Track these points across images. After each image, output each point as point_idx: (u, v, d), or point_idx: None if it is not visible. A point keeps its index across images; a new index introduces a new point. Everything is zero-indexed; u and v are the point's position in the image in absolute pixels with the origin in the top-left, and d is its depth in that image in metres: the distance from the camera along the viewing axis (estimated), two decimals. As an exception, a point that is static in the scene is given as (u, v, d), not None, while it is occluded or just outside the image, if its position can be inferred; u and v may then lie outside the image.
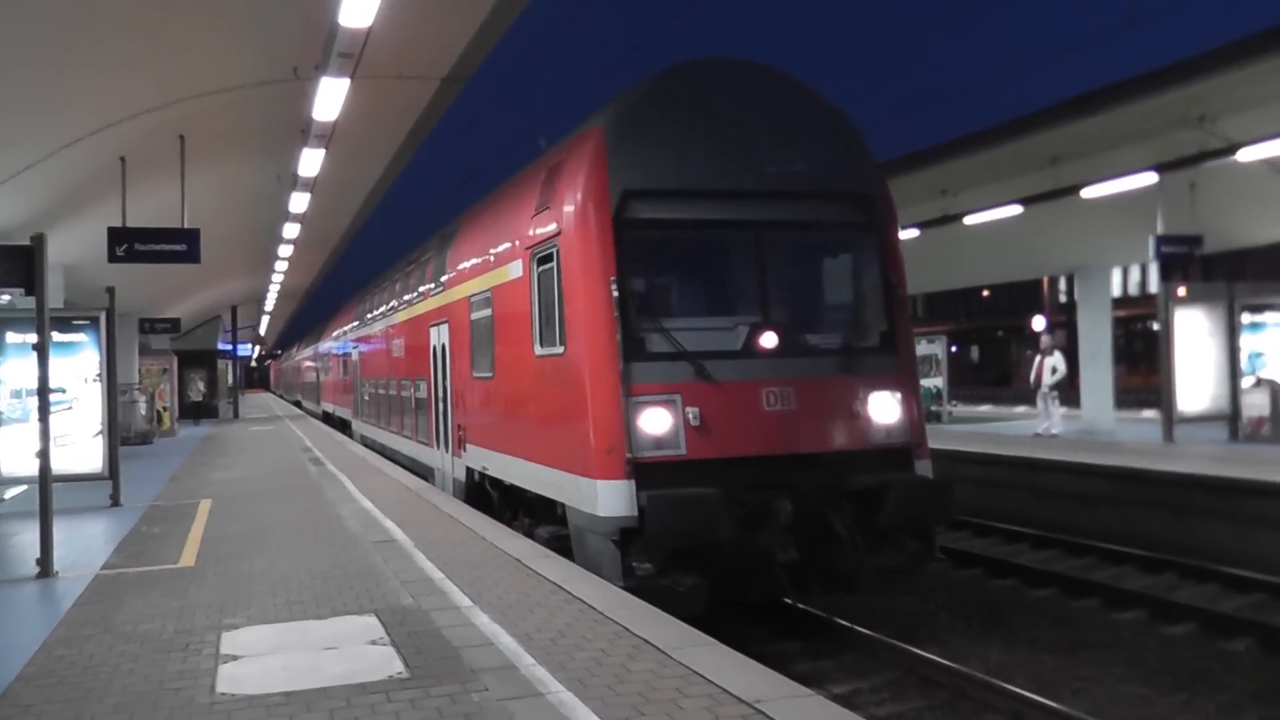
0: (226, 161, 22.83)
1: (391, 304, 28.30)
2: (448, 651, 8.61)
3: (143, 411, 37.59)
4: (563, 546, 13.25)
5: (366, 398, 34.61)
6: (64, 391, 19.02)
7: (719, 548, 11.73)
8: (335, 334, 46.63)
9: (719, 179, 13.06)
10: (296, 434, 38.92)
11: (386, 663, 8.33)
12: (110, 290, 18.93)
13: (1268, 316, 25.87)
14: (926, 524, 12.98)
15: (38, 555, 12.58)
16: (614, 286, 12.24)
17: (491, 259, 16.43)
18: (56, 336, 18.65)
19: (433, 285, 21.74)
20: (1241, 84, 20.03)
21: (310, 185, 23.96)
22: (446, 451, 20.39)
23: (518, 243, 14.85)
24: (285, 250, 35.99)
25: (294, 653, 8.72)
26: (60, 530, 13.34)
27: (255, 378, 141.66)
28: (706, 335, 12.76)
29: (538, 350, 13.97)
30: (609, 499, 11.92)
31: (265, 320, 76.71)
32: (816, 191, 13.50)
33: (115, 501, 18.99)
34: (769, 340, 12.75)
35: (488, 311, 16.55)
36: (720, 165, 13.07)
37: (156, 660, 8.63)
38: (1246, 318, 25.54)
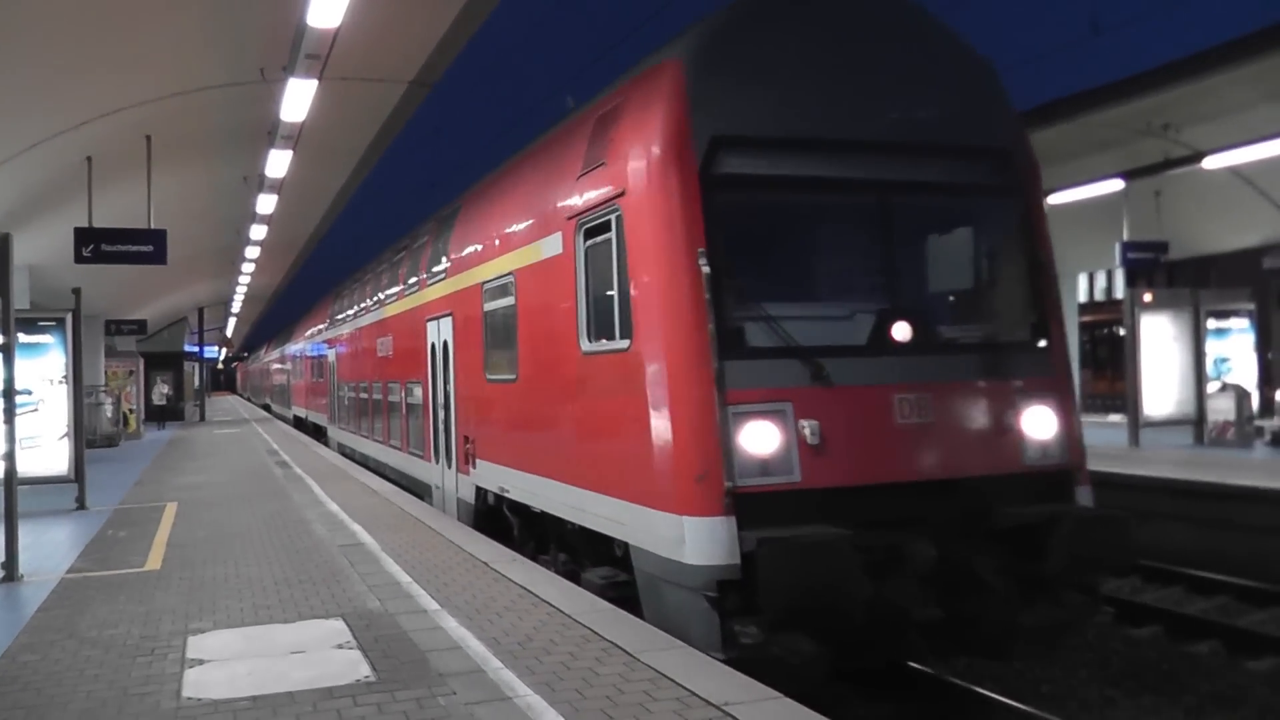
0: (193, 162, 22.75)
1: (376, 298, 25.39)
2: (415, 655, 8.59)
3: (109, 414, 37.35)
4: (623, 596, 10.65)
5: (346, 402, 31.23)
6: (30, 393, 18.90)
7: (848, 606, 9.05)
8: (309, 333, 43.17)
9: (832, 125, 10.37)
10: (263, 437, 38.75)
11: (353, 667, 8.30)
12: (76, 291, 18.80)
13: (1232, 322, 26.13)
14: (1097, 570, 10.47)
15: (2, 559, 12.46)
16: (703, 260, 9.57)
17: (514, 237, 13.78)
18: (22, 338, 18.53)
19: (430, 274, 19.10)
20: (1206, 94, 20.23)
21: (277, 187, 23.93)
22: (448, 467, 17.64)
23: (554, 213, 12.20)
24: (252, 252, 35.89)
25: (260, 657, 8.67)
26: (25, 534, 13.24)
27: (222, 380, 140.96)
28: (817, 326, 10.17)
29: (586, 346, 11.32)
30: (701, 542, 9.17)
31: (232, 322, 76.43)
32: (950, 145, 10.85)
33: (81, 505, 18.87)
34: (902, 332, 10.20)
35: (508, 300, 13.99)
36: (833, 107, 10.37)
37: (122, 665, 8.57)
38: (1212, 323, 25.77)
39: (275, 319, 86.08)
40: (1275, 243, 27.58)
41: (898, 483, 9.76)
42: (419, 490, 20.09)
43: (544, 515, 12.96)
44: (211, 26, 14.83)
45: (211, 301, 57.39)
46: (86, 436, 21.41)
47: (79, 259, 20.19)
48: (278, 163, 21.37)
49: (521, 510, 14.00)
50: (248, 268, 41.03)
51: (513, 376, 13.85)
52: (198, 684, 7.98)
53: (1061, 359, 10.93)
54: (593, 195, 11.07)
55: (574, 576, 11.81)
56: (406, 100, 18.91)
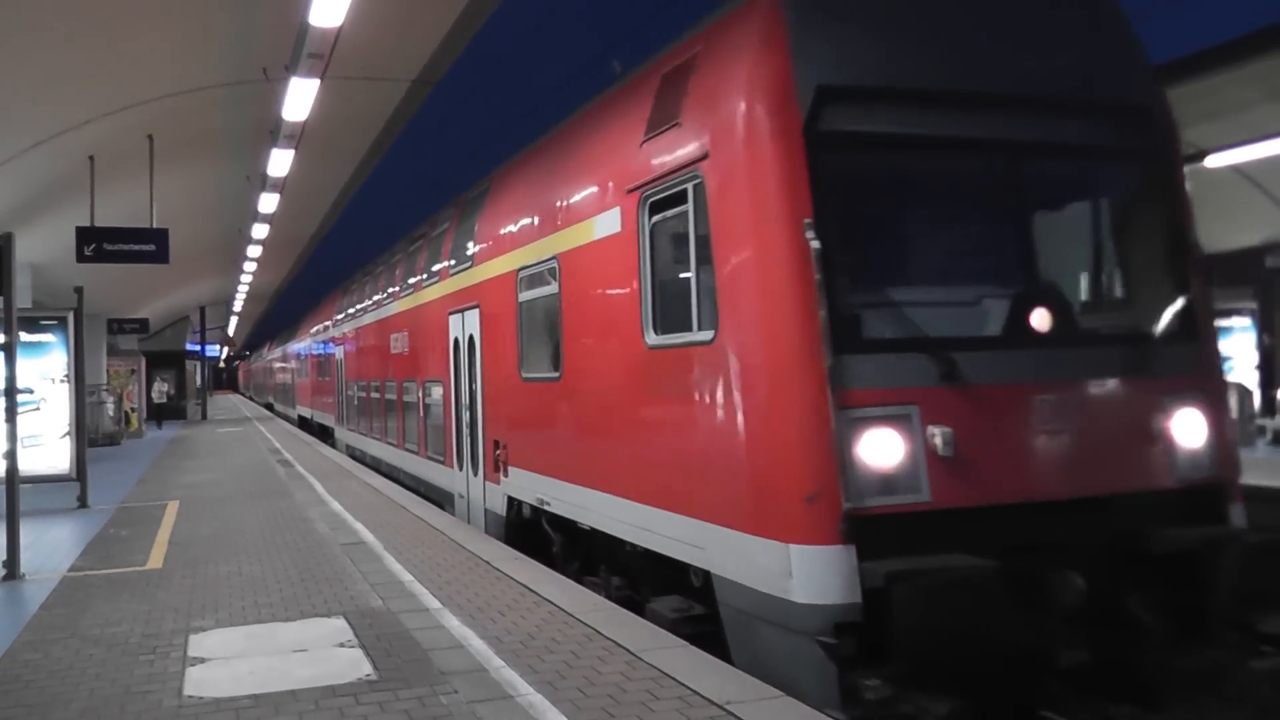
0: (195, 162, 22.77)
1: (390, 291, 23.71)
2: (417, 654, 8.59)
3: (110, 413, 37.38)
4: (701, 633, 9.25)
5: (355, 402, 29.52)
6: (31, 392, 18.93)
7: (995, 652, 7.75)
8: (314, 330, 41.40)
9: (955, 75, 8.80)
10: (265, 436, 38.76)
11: (355, 665, 8.30)
12: (78, 290, 18.82)
13: (1234, 321, 26.07)
14: (1260, 605, 9.37)
15: (4, 558, 12.48)
16: (810, 233, 7.94)
17: (557, 216, 12.31)
18: (24, 337, 18.56)
19: (452, 263, 17.55)
20: (1209, 93, 20.21)
21: (279, 186, 23.94)
22: (474, 474, 16.17)
23: (610, 187, 10.75)
24: (254, 251, 35.90)
25: (262, 656, 8.67)
26: (27, 532, 13.27)
27: (224, 379, 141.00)
28: (942, 314, 8.65)
29: (651, 339, 9.82)
30: (814, 576, 7.66)
31: (234, 321, 76.45)
32: (1087, 101, 9.22)
33: (83, 503, 18.87)
34: (1041, 321, 8.65)
35: (549, 289, 12.51)
36: (955, 55, 8.85)
37: (124, 664, 8.57)
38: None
39: (277, 317, 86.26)
40: (1278, 241, 27.56)
41: (1039, 501, 8.24)
42: (438, 498, 18.46)
43: (594, 533, 11.42)
44: (214, 26, 14.85)
45: (213, 300, 57.42)
46: (88, 435, 21.43)
47: (81, 258, 20.22)
48: (280, 162, 21.39)
49: (565, 526, 12.46)
50: (250, 266, 41.03)
51: (555, 374, 12.32)
52: (199, 682, 7.97)
53: (1212, 353, 9.44)
54: (662, 162, 9.57)
55: (631, 603, 10.59)
56: (409, 99, 18.92)
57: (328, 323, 36.62)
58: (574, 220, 11.69)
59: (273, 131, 19.33)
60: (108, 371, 40.08)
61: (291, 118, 18.05)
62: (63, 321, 19.16)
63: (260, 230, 30.78)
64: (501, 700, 7.35)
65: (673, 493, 9.41)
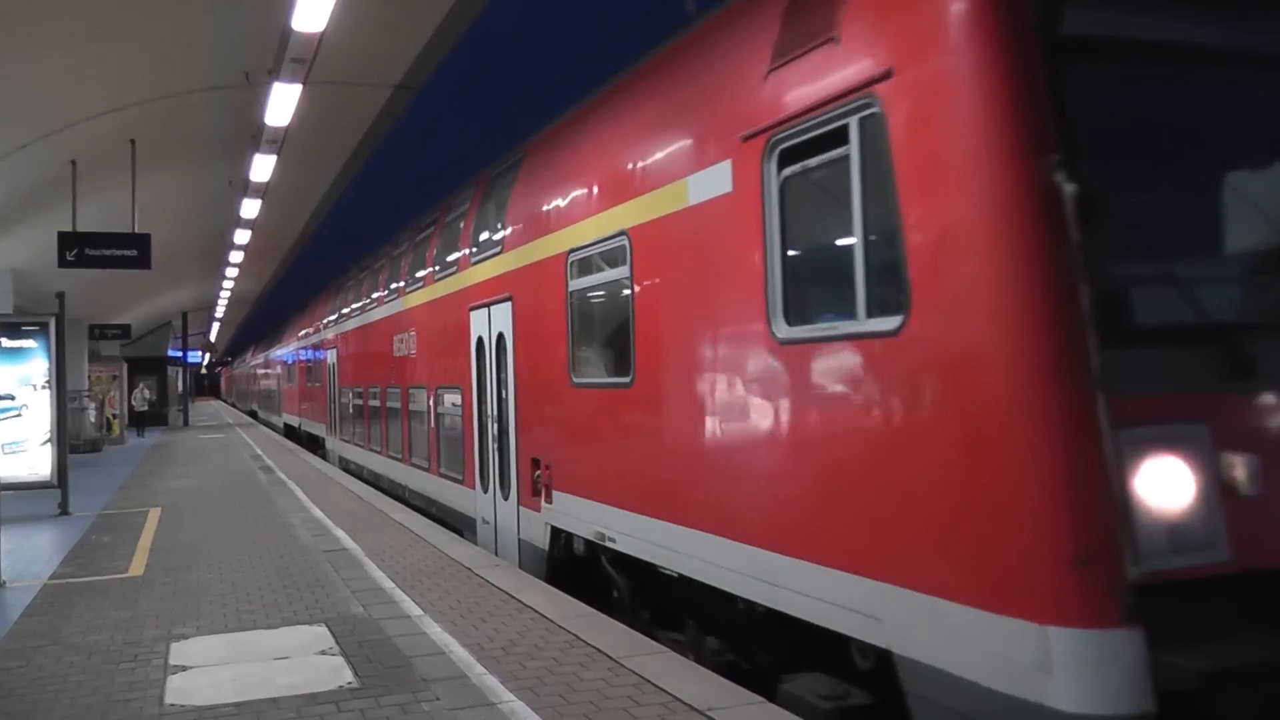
0: (178, 166, 22.70)
1: (392, 287, 21.52)
2: (399, 661, 8.59)
3: (92, 419, 37.25)
4: None
5: (350, 411, 27.05)
6: (13, 398, 18.87)
7: None
8: (302, 333, 39.23)
9: None
10: (247, 442, 38.68)
11: (337, 673, 8.29)
12: (60, 296, 18.77)
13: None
14: None
15: (-16, 565, 12.45)
16: (1060, 175, 5.58)
17: (628, 182, 9.93)
18: (5, 342, 18.57)
19: (474, 250, 15.32)
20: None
21: (262, 191, 23.91)
22: (503, 496, 13.90)
23: (714, 135, 8.50)
24: (236, 256, 35.83)
25: (244, 663, 8.66)
26: (8, 539, 13.26)
27: (206, 385, 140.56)
28: (1235, 291, 6.44)
29: (784, 330, 7.46)
30: (1089, 674, 5.31)
31: (216, 327, 76.24)
32: None
33: (64, 510, 18.82)
34: None
35: (614, 272, 10.29)
36: None
37: (105, 672, 8.55)
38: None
39: (260, 323, 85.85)
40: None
41: None
42: (455, 522, 16.22)
43: (684, 581, 8.97)
44: (196, 30, 14.81)
45: (195, 306, 57.26)
46: (70, 442, 21.36)
47: (63, 263, 20.16)
48: (262, 167, 21.36)
49: (637, 567, 10.03)
50: (232, 272, 40.97)
51: (623, 379, 10.00)
52: (181, 690, 7.96)
53: None
54: (804, 95, 7.23)
55: (734, 671, 8.57)
56: (392, 104, 18.90)
57: (318, 324, 34.30)
58: (652, 185, 9.47)
59: (255, 136, 19.30)
60: (89, 377, 39.94)
61: (274, 122, 18.04)
62: (44, 327, 19.10)
63: (242, 236, 30.72)
64: (483, 707, 7.34)
65: (827, 539, 6.96)
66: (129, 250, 20.65)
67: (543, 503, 12.24)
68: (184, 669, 8.55)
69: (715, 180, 8.34)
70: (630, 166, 10.01)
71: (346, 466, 27.58)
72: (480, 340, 14.88)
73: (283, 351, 47.84)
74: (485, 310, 14.60)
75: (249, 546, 14.46)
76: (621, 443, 10.25)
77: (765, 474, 7.71)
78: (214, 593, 11.50)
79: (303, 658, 8.78)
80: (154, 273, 23.15)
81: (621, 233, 10.01)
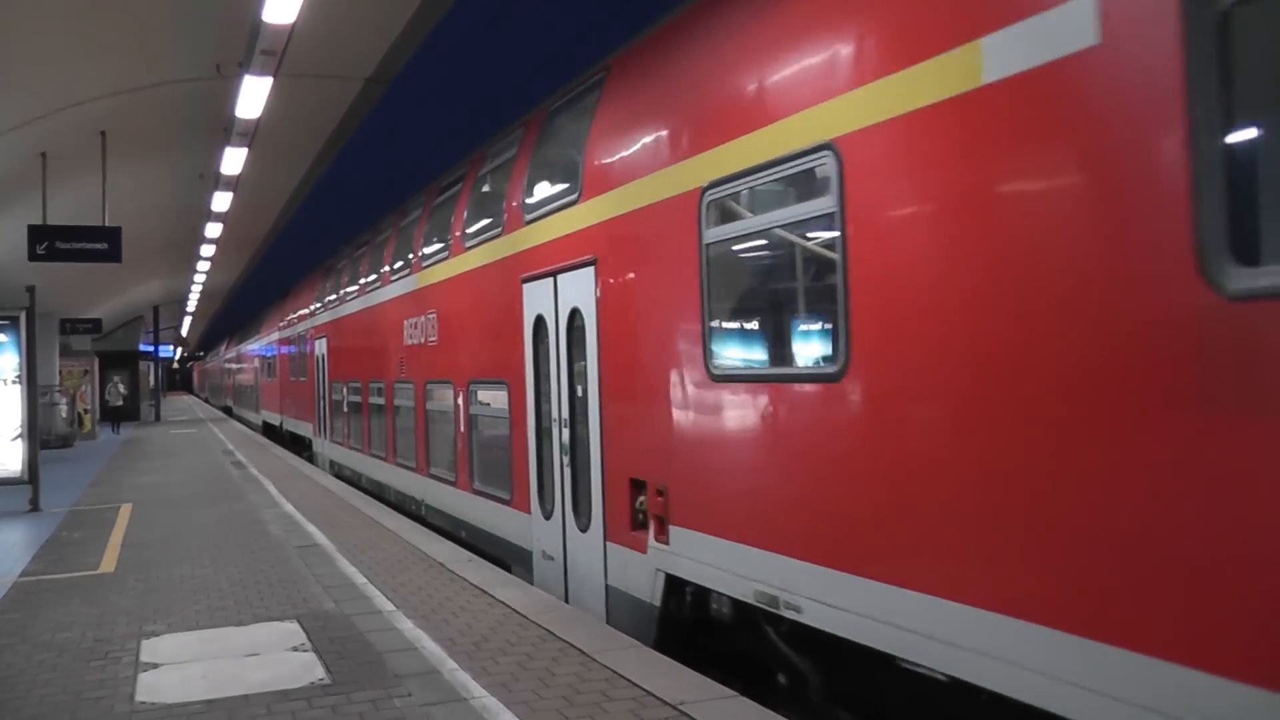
0: (148, 159, 22.58)
1: (402, 262, 18.71)
2: (370, 656, 8.57)
3: (63, 414, 37.03)
4: None
5: (346, 409, 23.95)
6: (-18, 393, 18.75)
7: None
8: (284, 322, 36.26)
9: None
10: (219, 438, 38.57)
11: (308, 669, 8.27)
12: (30, 289, 18.66)
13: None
14: None
15: (-48, 562, 12.37)
16: None
17: (843, 61, 6.88)
18: (-27, 337, 18.39)
19: (529, 202, 12.30)
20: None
21: (233, 184, 23.80)
22: (578, 526, 10.75)
23: None
24: (208, 250, 35.64)
25: (215, 660, 8.63)
26: (-24, 536, 13.15)
27: (178, 380, 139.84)
28: None
29: (1240, 281, 4.27)
30: None
31: (188, 321, 75.89)
32: None
33: (35, 506, 18.71)
34: None
35: (804, 209, 7.28)
36: None
37: (75, 670, 8.51)
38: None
39: (233, 316, 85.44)
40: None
41: None
42: (499, 552, 13.14)
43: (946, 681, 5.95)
44: (166, 22, 14.72)
45: (167, 300, 56.97)
46: (41, 437, 21.23)
47: (33, 257, 20.03)
48: (233, 160, 21.27)
49: (844, 649, 6.83)
50: (203, 266, 40.75)
51: (827, 369, 7.00)
52: (151, 688, 7.93)
53: None
54: None
55: None
56: (363, 97, 18.83)
57: (304, 312, 31.31)
58: (892, 65, 6.29)
59: (226, 129, 19.21)
60: (60, 372, 39.74)
61: (245, 115, 17.97)
62: (14, 321, 18.99)
63: (214, 229, 30.57)
64: (455, 703, 7.34)
65: None
66: (100, 243, 20.52)
67: (650, 540, 9.03)
68: (155, 666, 8.51)
69: (1054, 30, 5.11)
70: (838, 45, 6.97)
71: (340, 473, 24.63)
72: (539, 320, 11.73)
73: (261, 343, 45.10)
74: (547, 281, 11.42)
75: (221, 542, 14.41)
76: (820, 464, 7.03)
77: (1156, 526, 4.66)
78: (185, 589, 11.45)
79: (274, 654, 8.76)
80: (125, 266, 23.06)
81: (824, 146, 6.84)
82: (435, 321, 16.28)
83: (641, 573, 9.30)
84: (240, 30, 14.49)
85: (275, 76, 15.84)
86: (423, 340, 16.93)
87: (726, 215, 8.12)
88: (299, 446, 32.18)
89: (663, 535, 8.87)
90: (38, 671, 8.49)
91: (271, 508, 17.81)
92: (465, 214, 15.06)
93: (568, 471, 11.00)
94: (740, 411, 7.92)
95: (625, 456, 9.66)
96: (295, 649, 8.89)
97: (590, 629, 9.23)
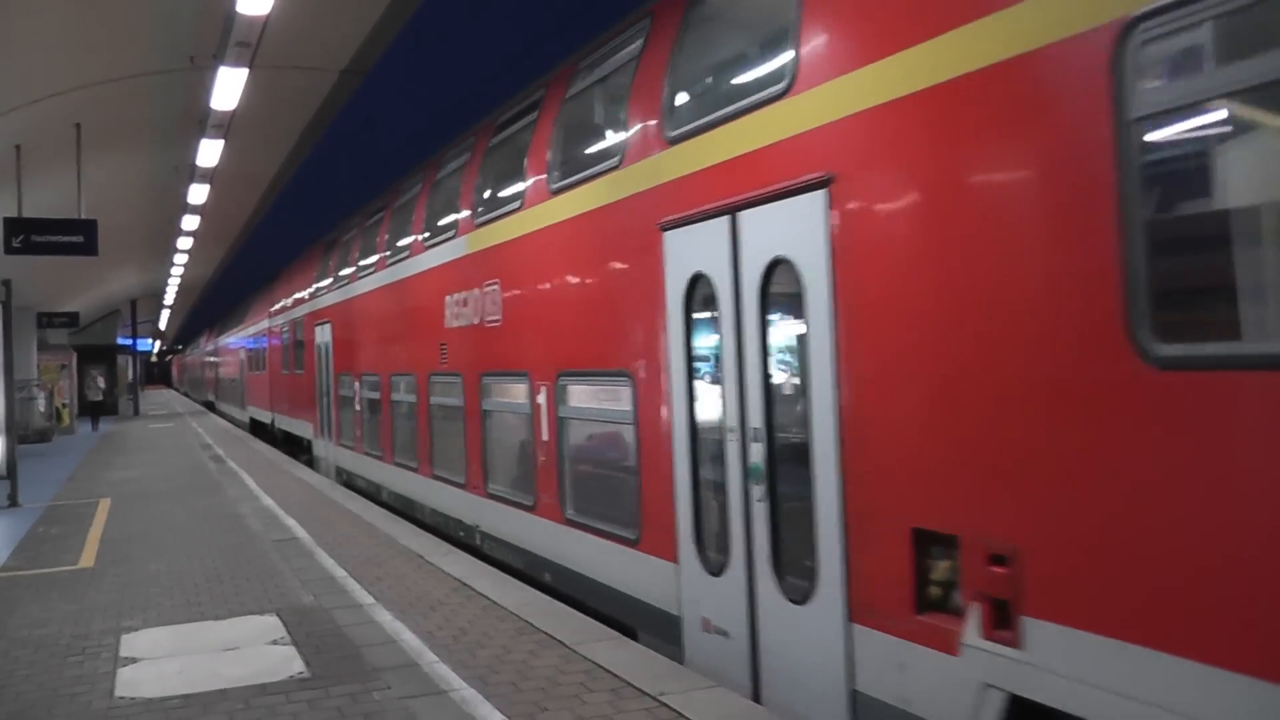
0: (124, 151, 22.47)
1: (445, 222, 15.03)
2: (349, 650, 8.57)
3: (41, 408, 36.89)
4: None
5: (358, 408, 20.63)
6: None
7: None
8: (276, 308, 32.86)
9: None
10: (197, 431, 38.45)
11: (287, 663, 8.26)
12: (6, 283, 18.57)
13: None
14: None
15: (-71, 558, 12.33)
16: None
17: None
18: (-52, 333, 18.31)
19: (674, 106, 9.03)
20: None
21: (209, 176, 23.69)
22: (784, 595, 7.37)
23: None
24: (185, 242, 35.46)
25: (193, 655, 8.62)
26: (-47, 532, 13.10)
27: (156, 373, 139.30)
28: None
29: None
30: None
31: (165, 314, 75.59)
32: None
33: (13, 502, 18.64)
34: None
35: None
36: None
37: (53, 665, 8.48)
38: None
39: (212, 308, 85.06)
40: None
41: None
42: (617, 609, 9.63)
43: None
44: (140, 13, 14.65)
45: (144, 293, 56.72)
46: (18, 432, 21.15)
47: (9, 250, 19.91)
48: (209, 152, 21.17)
49: None
50: (181, 258, 40.54)
51: None
52: (130, 683, 7.92)
53: None
54: None
55: None
56: (338, 89, 18.77)
57: (300, 296, 28.05)
58: None
59: (201, 121, 19.13)
60: (38, 366, 39.56)
61: (220, 107, 17.89)
62: (-10, 315, 18.92)
63: (191, 221, 30.43)
64: (434, 695, 7.34)
65: None
66: (76, 236, 20.40)
67: (970, 636, 5.76)
68: (133, 661, 8.51)
69: None
70: None
71: (351, 482, 21.14)
72: (697, 283, 8.36)
73: (248, 332, 41.30)
74: (716, 224, 8.02)
75: (199, 537, 14.37)
76: None
77: None
78: (164, 584, 11.43)
79: (253, 648, 8.75)
80: (102, 259, 22.94)
81: None
82: (497, 296, 12.70)
83: (945, 683, 5.98)
84: (214, 22, 14.43)
85: (250, 68, 15.78)
86: (476, 321, 13.41)
87: (1182, 67, 4.83)
88: (294, 447, 28.92)
89: (1004, 630, 5.54)
90: (14, 667, 8.46)
91: (250, 501, 17.77)
92: (551, 147, 11.40)
93: (761, 508, 7.52)
94: (1222, 425, 4.50)
95: (903, 492, 6.27)
96: (274, 643, 8.88)
97: (569, 621, 9.24)
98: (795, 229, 7.10)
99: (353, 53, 16.70)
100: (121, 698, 7.58)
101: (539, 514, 11.55)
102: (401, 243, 17.41)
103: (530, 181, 11.73)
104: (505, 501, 12.62)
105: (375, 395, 19.00)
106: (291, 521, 15.34)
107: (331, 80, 18.08)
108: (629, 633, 9.17)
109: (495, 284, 12.78)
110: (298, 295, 28.49)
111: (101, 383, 49.17)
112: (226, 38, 14.54)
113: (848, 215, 6.65)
